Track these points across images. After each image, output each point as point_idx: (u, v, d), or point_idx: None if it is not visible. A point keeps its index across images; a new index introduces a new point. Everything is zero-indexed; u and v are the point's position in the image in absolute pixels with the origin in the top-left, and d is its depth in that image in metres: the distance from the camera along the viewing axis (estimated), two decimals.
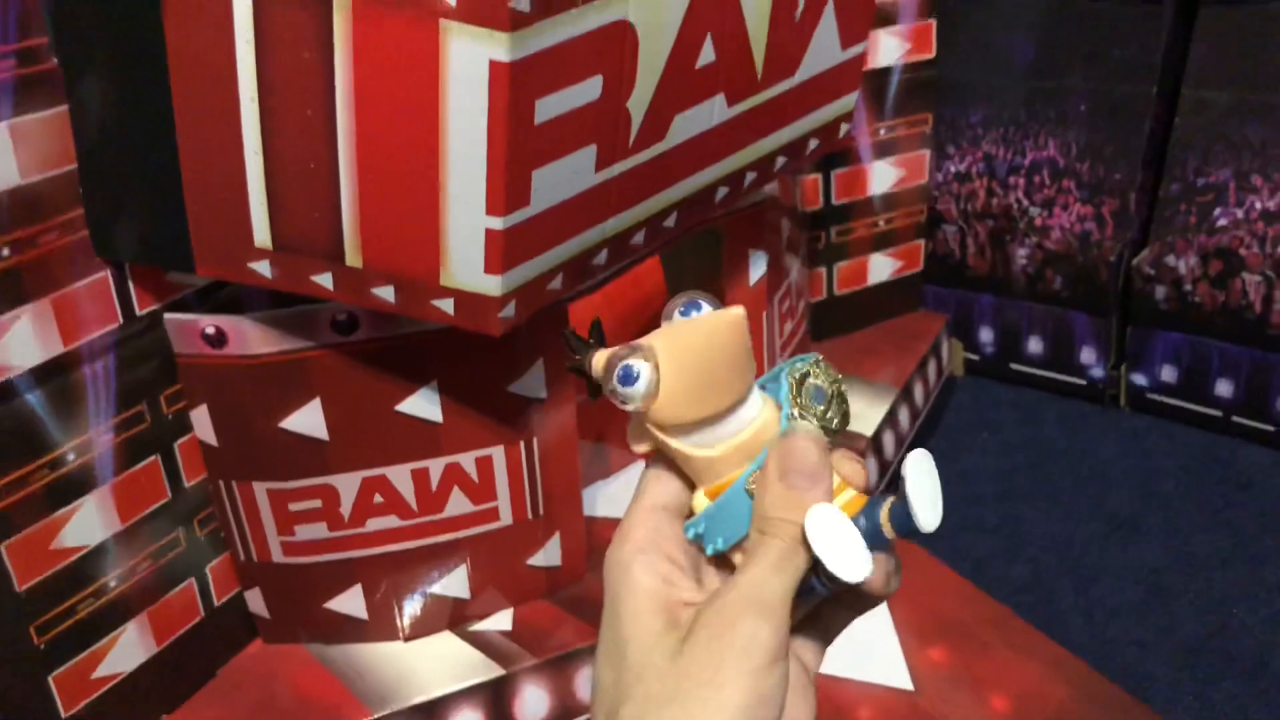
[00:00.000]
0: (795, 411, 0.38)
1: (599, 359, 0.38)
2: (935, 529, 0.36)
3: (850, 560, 0.35)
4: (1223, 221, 1.09)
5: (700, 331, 0.36)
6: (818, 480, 0.36)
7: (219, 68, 0.58)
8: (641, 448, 0.40)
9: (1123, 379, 1.21)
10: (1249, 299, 1.08)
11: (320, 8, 0.55)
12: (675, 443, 0.38)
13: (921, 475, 0.36)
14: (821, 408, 0.39)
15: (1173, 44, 1.12)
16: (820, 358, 0.40)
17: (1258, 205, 1.07)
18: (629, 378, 0.36)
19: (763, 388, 0.40)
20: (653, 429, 0.38)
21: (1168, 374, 1.17)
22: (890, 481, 1.04)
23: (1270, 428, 1.11)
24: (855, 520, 0.36)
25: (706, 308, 0.38)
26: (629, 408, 0.37)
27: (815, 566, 0.36)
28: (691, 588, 0.38)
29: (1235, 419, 1.13)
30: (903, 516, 0.35)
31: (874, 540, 0.36)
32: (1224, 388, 1.13)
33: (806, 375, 0.39)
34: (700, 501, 0.39)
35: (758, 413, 0.38)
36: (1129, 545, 1.01)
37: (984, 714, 0.79)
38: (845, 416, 0.39)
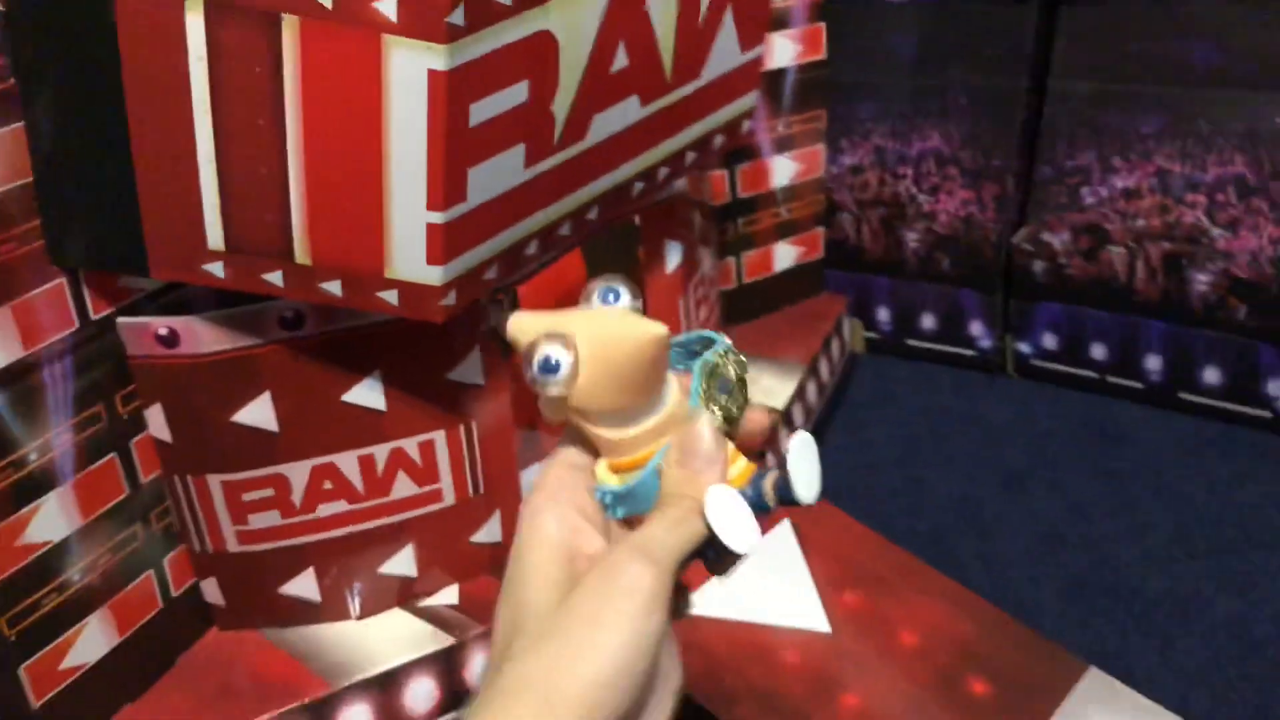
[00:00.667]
0: (704, 401, 0.41)
1: (516, 321, 0.40)
2: (812, 501, 0.40)
3: (741, 534, 0.38)
4: (1090, 200, 1.20)
5: (623, 337, 0.38)
6: (713, 463, 0.40)
7: (173, 83, 0.63)
8: (554, 421, 0.42)
9: (1009, 348, 1.31)
10: (1115, 269, 1.19)
11: (269, 26, 0.60)
12: (586, 424, 0.40)
13: (802, 454, 0.40)
14: (725, 397, 0.41)
15: (1039, 40, 1.22)
16: (729, 347, 0.42)
17: (1119, 184, 1.18)
18: (549, 367, 0.38)
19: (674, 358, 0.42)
20: (569, 409, 0.40)
21: (1049, 341, 1.28)
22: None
23: (1141, 385, 1.22)
24: (743, 490, 0.40)
25: (625, 295, 0.40)
26: (548, 393, 0.39)
27: (710, 538, 0.39)
28: (598, 543, 0.41)
29: (1110, 379, 1.24)
30: (784, 489, 0.40)
31: (758, 507, 0.40)
32: (1099, 351, 1.24)
33: (716, 367, 0.42)
34: (604, 472, 0.42)
35: (666, 401, 0.41)
36: (1020, 498, 1.10)
37: (895, 649, 0.87)
38: (745, 403, 0.42)
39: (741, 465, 0.41)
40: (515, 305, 0.42)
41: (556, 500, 0.41)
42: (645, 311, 0.41)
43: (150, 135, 0.65)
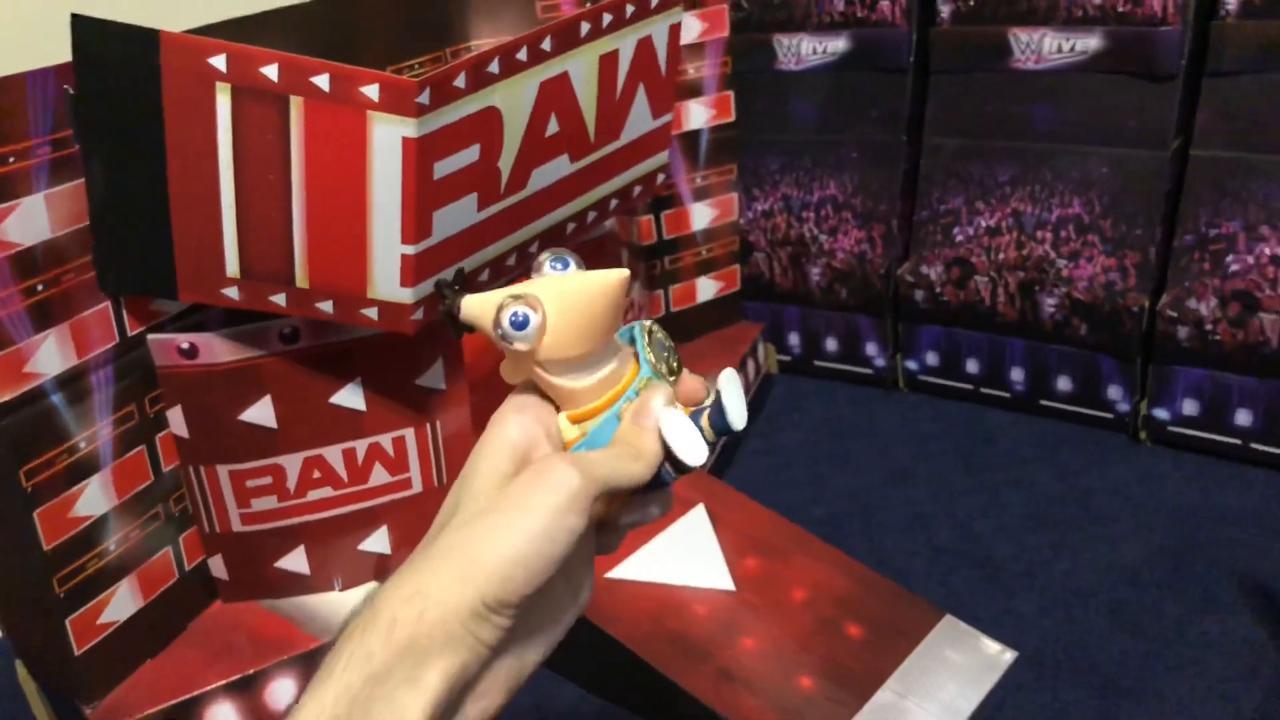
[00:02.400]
0: (650, 356, 0.45)
1: (469, 303, 0.43)
2: (742, 426, 0.44)
3: (694, 450, 0.43)
4: (960, 237, 1.42)
5: (586, 286, 0.42)
6: (664, 419, 0.44)
7: (205, 147, 0.81)
8: (514, 380, 0.46)
9: (899, 366, 1.52)
10: (981, 296, 1.40)
11: (280, 105, 0.80)
12: (550, 376, 0.44)
13: (730, 388, 0.44)
14: (665, 353, 0.46)
15: (915, 104, 1.45)
16: (654, 323, 0.47)
17: (983, 224, 1.40)
18: (518, 323, 0.41)
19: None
20: (533, 364, 0.44)
21: (931, 359, 1.48)
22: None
23: (1008, 394, 1.43)
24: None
25: (573, 264, 0.44)
26: (517, 347, 0.42)
27: (666, 457, 0.43)
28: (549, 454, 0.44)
29: (982, 390, 1.45)
30: (718, 419, 0.44)
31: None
32: (972, 366, 1.45)
33: (652, 330, 0.46)
34: (565, 425, 0.45)
35: (616, 355, 0.45)
36: (902, 488, 1.30)
37: (787, 602, 1.06)
38: (679, 362, 0.47)
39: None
40: (465, 290, 0.45)
41: (522, 413, 0.44)
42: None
43: (185, 186, 0.84)
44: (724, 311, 1.54)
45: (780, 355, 1.60)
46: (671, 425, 0.42)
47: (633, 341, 0.46)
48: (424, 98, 0.78)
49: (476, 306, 0.43)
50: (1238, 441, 1.25)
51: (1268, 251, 1.20)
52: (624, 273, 0.42)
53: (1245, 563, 1.11)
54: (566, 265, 0.44)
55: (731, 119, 1.42)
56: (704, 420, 0.44)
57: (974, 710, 0.96)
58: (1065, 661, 1.01)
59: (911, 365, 1.50)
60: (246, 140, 0.82)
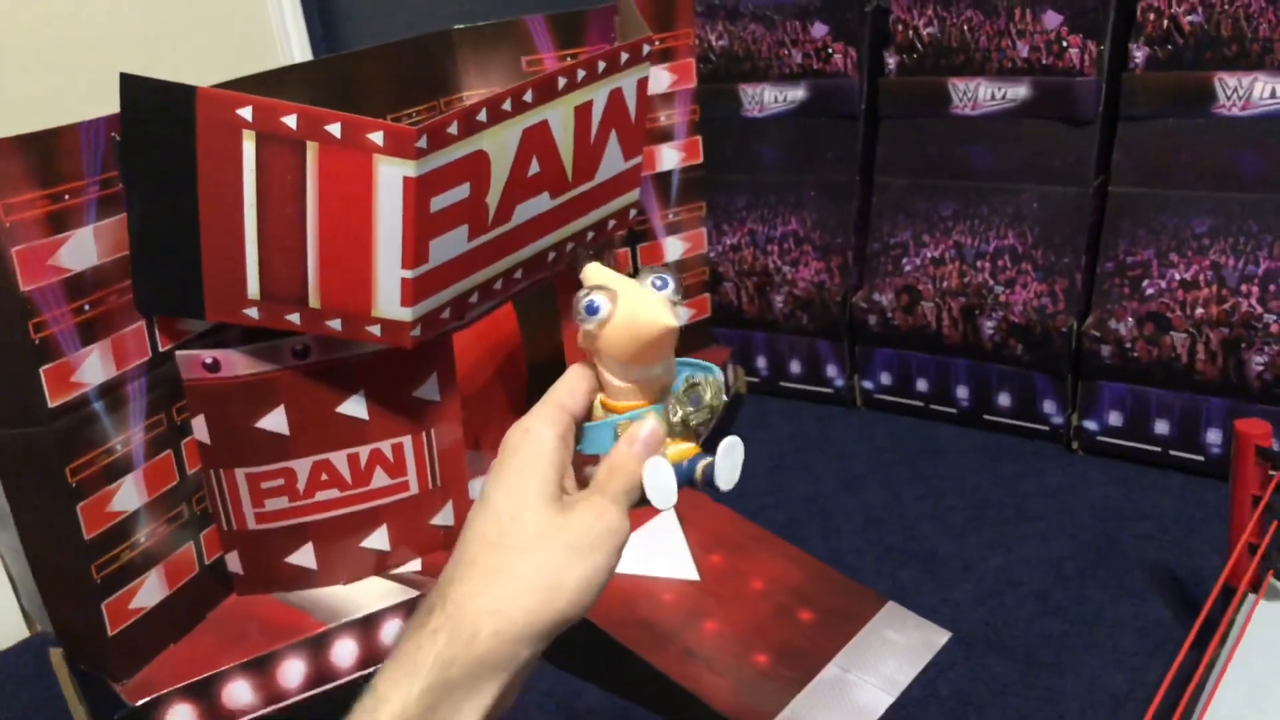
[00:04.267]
0: (675, 399, 0.48)
1: (589, 270, 0.49)
2: (728, 489, 0.48)
3: (665, 496, 0.47)
4: (908, 268, 1.55)
5: (646, 313, 0.46)
6: (649, 448, 0.47)
7: (232, 185, 0.94)
8: (583, 348, 0.50)
9: (856, 386, 1.65)
10: (928, 320, 1.54)
11: (298, 149, 0.92)
12: (599, 363, 0.49)
13: (729, 453, 0.48)
14: (691, 409, 0.48)
15: (867, 147, 1.59)
16: (721, 381, 0.50)
17: (928, 255, 1.53)
18: (592, 308, 0.46)
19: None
20: (594, 346, 0.48)
21: (885, 379, 1.61)
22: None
23: (954, 410, 1.56)
24: (679, 466, 0.47)
25: (670, 285, 0.48)
26: (584, 327, 0.47)
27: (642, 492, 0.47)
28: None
29: (932, 406, 1.58)
30: (709, 475, 0.48)
31: (685, 480, 0.48)
32: (922, 385, 1.58)
33: (697, 384, 0.49)
34: (597, 407, 0.50)
35: (663, 377, 0.49)
36: (856, 495, 1.42)
37: (746, 591, 1.18)
38: (706, 422, 0.49)
39: (686, 448, 0.49)
40: (597, 256, 0.52)
41: (551, 426, 0.48)
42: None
43: (213, 220, 0.97)
44: (696, 337, 1.66)
45: (749, 377, 1.73)
46: (651, 470, 0.47)
47: (684, 378, 0.50)
48: (422, 143, 0.91)
49: (590, 276, 0.49)
50: (1158, 449, 1.38)
51: (1177, 276, 1.33)
52: (670, 322, 0.46)
53: (1159, 556, 1.23)
54: (666, 285, 0.48)
55: (700, 161, 1.56)
56: (699, 468, 0.48)
57: (910, 682, 1.08)
58: (994, 641, 1.12)
59: (867, 385, 1.63)
60: (268, 179, 0.94)
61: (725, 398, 0.51)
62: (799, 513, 1.39)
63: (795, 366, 1.68)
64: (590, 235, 1.23)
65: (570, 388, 0.50)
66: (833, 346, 1.63)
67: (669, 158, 1.54)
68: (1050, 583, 1.20)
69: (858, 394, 1.65)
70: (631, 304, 0.46)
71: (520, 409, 1.48)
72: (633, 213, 1.29)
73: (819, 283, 1.62)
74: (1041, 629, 1.13)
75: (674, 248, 1.59)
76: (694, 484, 0.48)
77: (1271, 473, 0.94)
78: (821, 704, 1.05)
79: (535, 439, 0.47)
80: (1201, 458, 1.36)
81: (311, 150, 0.93)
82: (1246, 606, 0.90)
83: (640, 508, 0.49)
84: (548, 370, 1.42)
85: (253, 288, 1.00)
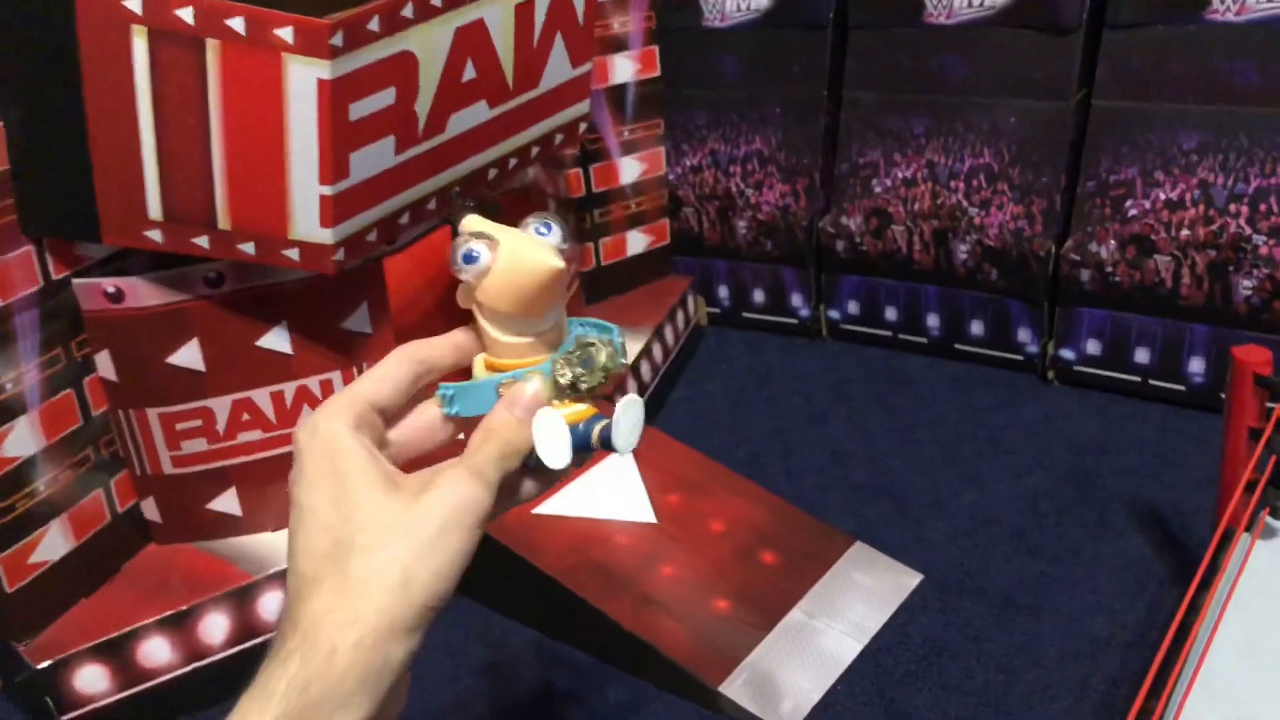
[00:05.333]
0: (563, 358, 0.45)
1: (467, 221, 0.45)
2: (626, 451, 0.45)
3: (557, 453, 0.44)
4: (878, 189, 1.46)
5: (530, 258, 0.43)
6: (530, 412, 0.44)
7: (123, 90, 0.83)
8: (463, 306, 0.47)
9: (823, 316, 1.57)
10: (898, 244, 1.45)
11: (197, 47, 0.81)
12: (482, 317, 0.45)
13: (626, 412, 0.44)
14: (582, 371, 0.45)
15: (835, 59, 1.49)
16: (619, 344, 0.47)
17: (899, 175, 1.45)
18: (469, 257, 0.43)
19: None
20: (474, 301, 0.45)
21: (853, 308, 1.53)
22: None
23: (925, 340, 1.49)
24: (575, 427, 0.45)
25: (555, 229, 0.45)
26: (462, 278, 0.44)
27: (534, 450, 0.44)
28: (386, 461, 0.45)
29: (901, 336, 1.50)
30: (605, 436, 0.44)
31: (581, 443, 0.45)
32: (890, 314, 1.50)
33: (591, 344, 0.46)
34: (479, 366, 0.47)
35: (551, 334, 0.46)
36: (821, 428, 1.35)
37: (705, 534, 1.10)
38: (599, 386, 0.46)
39: (579, 409, 0.46)
40: (476, 209, 0.48)
41: (356, 428, 0.44)
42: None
43: (104, 130, 0.86)
44: (654, 265, 1.57)
45: (710, 308, 1.64)
46: (542, 426, 0.44)
47: (577, 339, 0.47)
48: (337, 39, 0.80)
49: (469, 224, 0.45)
50: (1137, 379, 1.32)
51: (1162, 196, 1.26)
52: (557, 264, 0.43)
53: (1138, 490, 1.17)
54: (549, 230, 0.45)
55: (657, 74, 1.45)
56: (596, 430, 0.45)
57: (880, 628, 1.01)
58: (967, 582, 1.06)
59: (834, 314, 1.55)
60: (164, 83, 0.83)
61: (624, 361, 0.47)
62: (762, 449, 1.32)
63: (759, 296, 1.60)
64: (535, 150, 1.12)
65: (381, 375, 0.46)
66: (798, 274, 1.55)
67: (623, 69, 1.43)
68: (1026, 520, 1.14)
69: (824, 324, 1.57)
70: (513, 250, 0.43)
71: None
72: (583, 127, 1.19)
73: (784, 206, 1.53)
74: (1017, 570, 1.07)
75: (630, 168, 1.49)
76: (590, 448, 0.45)
77: (1271, 404, 0.87)
78: (785, 652, 0.98)
79: (326, 436, 0.43)
80: (1183, 388, 1.29)
81: (212, 49, 0.82)
82: (1242, 547, 0.84)
83: (530, 473, 0.46)
84: None
85: (154, 207, 0.89)
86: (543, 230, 0.45)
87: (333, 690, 0.40)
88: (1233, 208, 1.22)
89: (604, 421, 0.45)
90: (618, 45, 1.41)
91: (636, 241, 1.54)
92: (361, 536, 0.41)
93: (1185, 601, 0.77)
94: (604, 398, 0.46)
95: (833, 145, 1.51)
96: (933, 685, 0.94)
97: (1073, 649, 0.97)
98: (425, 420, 0.46)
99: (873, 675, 0.96)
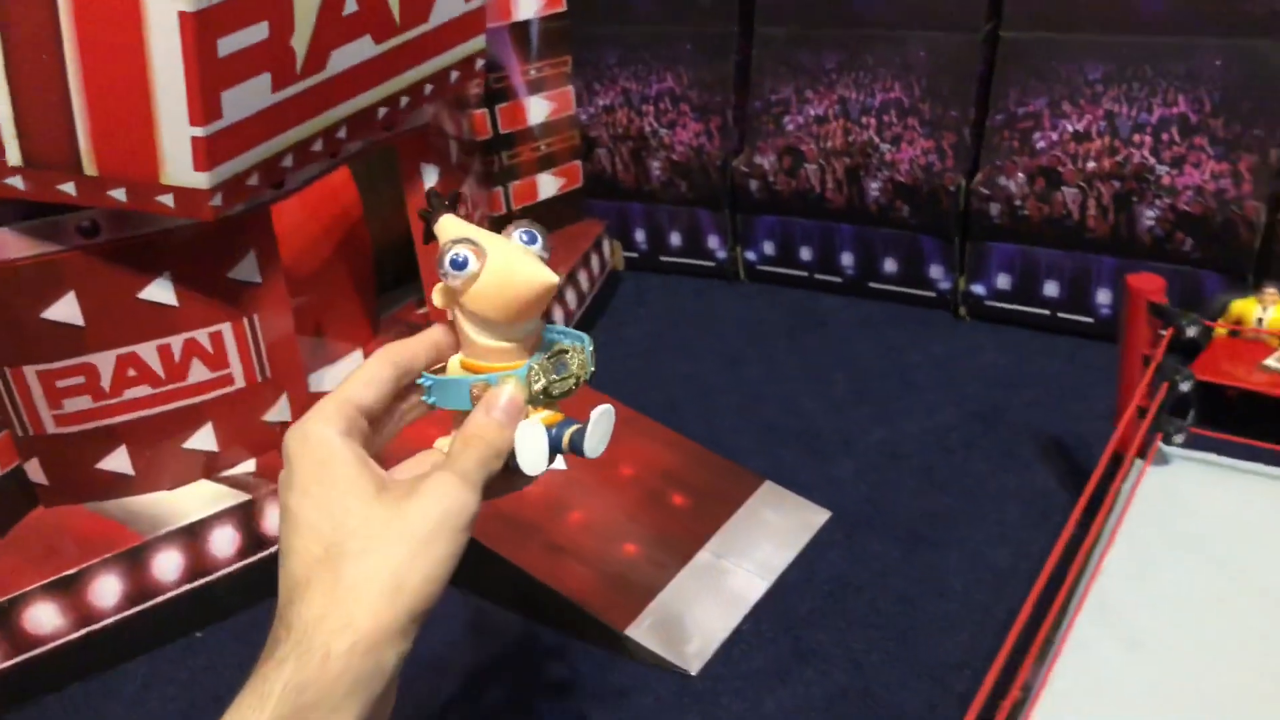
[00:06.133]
0: (538, 364, 0.46)
1: (445, 222, 0.47)
2: (594, 456, 0.47)
3: (535, 462, 0.46)
4: (790, 127, 1.44)
5: (523, 269, 0.44)
6: (509, 416, 0.46)
7: None
8: (440, 306, 0.48)
9: (739, 258, 1.55)
10: (811, 183, 1.44)
11: None
12: (464, 320, 0.47)
13: (599, 422, 0.47)
14: (555, 378, 0.47)
15: None
16: (590, 352, 0.49)
17: (811, 112, 1.43)
18: (458, 262, 0.44)
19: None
20: (457, 303, 0.46)
21: (769, 249, 1.52)
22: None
23: (840, 279, 1.48)
24: (548, 429, 0.46)
25: (539, 237, 0.46)
26: (449, 283, 0.45)
27: (514, 455, 0.46)
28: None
29: (816, 276, 1.49)
30: (576, 441, 0.47)
31: (553, 447, 0.47)
32: (806, 254, 1.49)
33: (565, 352, 0.47)
34: (454, 364, 0.48)
35: (529, 340, 0.47)
36: (736, 371, 1.34)
37: (615, 478, 1.09)
38: (569, 392, 0.48)
39: (551, 414, 0.48)
40: (451, 207, 0.48)
41: (345, 432, 0.45)
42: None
43: None
44: (567, 209, 1.54)
45: (628, 252, 1.62)
46: (524, 435, 0.46)
47: (551, 345, 0.48)
48: None
49: (446, 230, 0.46)
50: (1047, 312, 1.33)
51: (1070, 127, 1.25)
52: (553, 278, 0.45)
53: (1046, 423, 1.18)
54: (534, 240, 0.46)
55: (563, 9, 1.41)
56: (567, 433, 0.47)
57: (787, 566, 1.01)
58: (875, 518, 1.06)
59: (750, 256, 1.54)
60: (13, 23, 0.78)
61: (592, 368, 0.49)
62: (676, 393, 1.31)
63: (675, 239, 1.58)
64: (428, 88, 1.08)
65: (367, 378, 0.47)
66: (713, 216, 1.53)
67: (526, 5, 1.38)
68: (934, 455, 1.15)
69: (740, 266, 1.55)
70: (504, 260, 0.44)
71: (367, 290, 1.34)
72: (479, 63, 1.15)
73: (698, 146, 1.51)
74: (924, 504, 1.08)
75: (538, 108, 1.45)
76: (559, 451, 0.47)
77: (1163, 331, 0.87)
78: (693, 593, 0.98)
79: (316, 443, 0.44)
80: (1091, 319, 1.30)
81: None
82: (1135, 474, 0.84)
83: (509, 480, 0.47)
84: (399, 250, 1.29)
85: (12, 152, 0.84)
86: (526, 238, 0.46)
87: (327, 694, 0.40)
88: (1137, 138, 1.22)
89: (574, 426, 0.47)
90: None
91: (548, 185, 1.51)
92: (353, 542, 0.42)
93: (1069, 526, 0.77)
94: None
95: (745, 82, 1.48)
96: (838, 620, 0.94)
97: (976, 580, 0.98)
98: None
99: (779, 612, 0.96)
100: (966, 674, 0.88)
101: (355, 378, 0.47)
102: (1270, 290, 1.09)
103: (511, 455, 0.46)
